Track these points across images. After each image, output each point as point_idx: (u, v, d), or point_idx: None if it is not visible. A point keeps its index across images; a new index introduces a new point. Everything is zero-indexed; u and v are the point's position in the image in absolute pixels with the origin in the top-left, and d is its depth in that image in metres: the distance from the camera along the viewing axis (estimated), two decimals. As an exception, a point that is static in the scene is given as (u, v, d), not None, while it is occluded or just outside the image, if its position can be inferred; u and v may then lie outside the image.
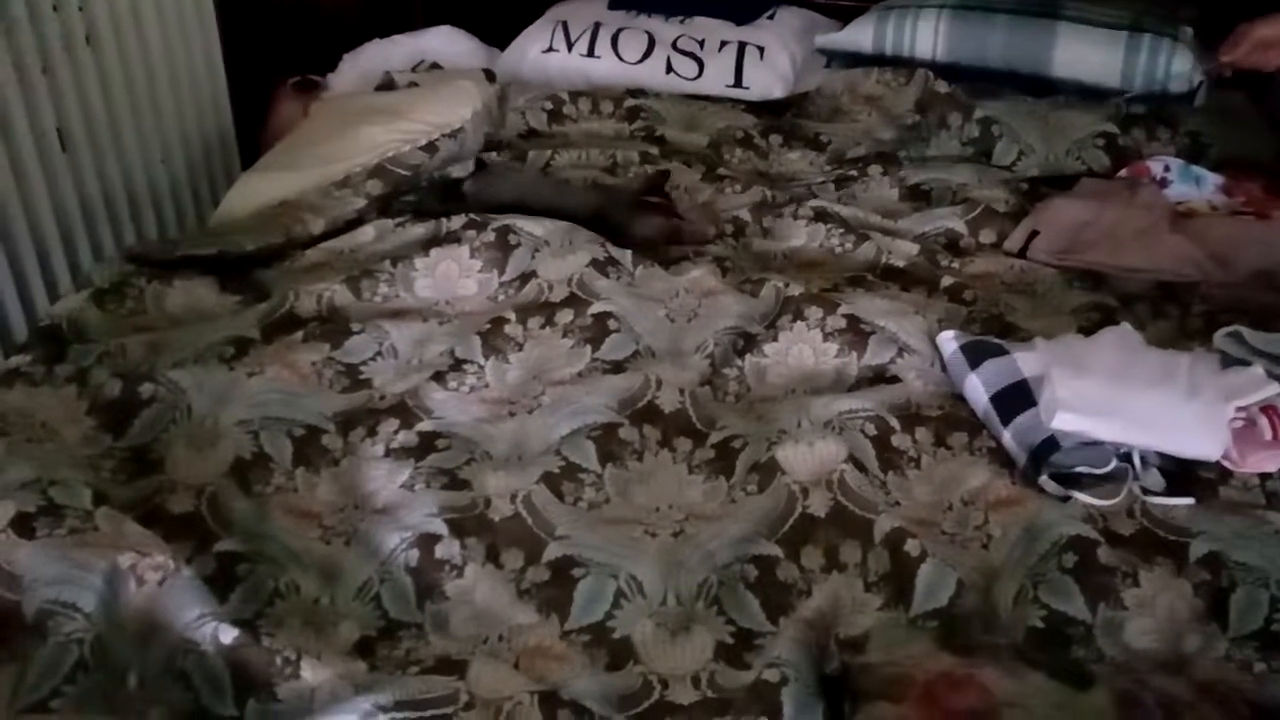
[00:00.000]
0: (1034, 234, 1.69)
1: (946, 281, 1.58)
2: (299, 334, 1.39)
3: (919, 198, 1.86)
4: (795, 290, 1.49)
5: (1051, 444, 1.19)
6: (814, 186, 1.89)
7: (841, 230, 1.71)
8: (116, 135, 1.98)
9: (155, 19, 2.04)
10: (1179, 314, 1.52)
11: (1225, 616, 1.05)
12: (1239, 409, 1.22)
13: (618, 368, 1.39)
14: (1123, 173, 1.89)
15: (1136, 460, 1.20)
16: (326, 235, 1.66)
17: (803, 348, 1.41)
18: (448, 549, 1.10)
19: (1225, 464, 1.22)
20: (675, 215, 1.72)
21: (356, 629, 1.05)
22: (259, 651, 0.94)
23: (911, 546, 1.10)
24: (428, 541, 1.11)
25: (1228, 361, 1.30)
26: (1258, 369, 1.26)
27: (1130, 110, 2.01)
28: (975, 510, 1.17)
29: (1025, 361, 1.28)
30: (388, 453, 1.24)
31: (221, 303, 1.50)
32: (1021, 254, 1.68)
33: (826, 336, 1.42)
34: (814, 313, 1.45)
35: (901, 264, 1.64)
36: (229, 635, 0.94)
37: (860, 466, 1.21)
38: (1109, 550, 1.10)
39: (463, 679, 0.94)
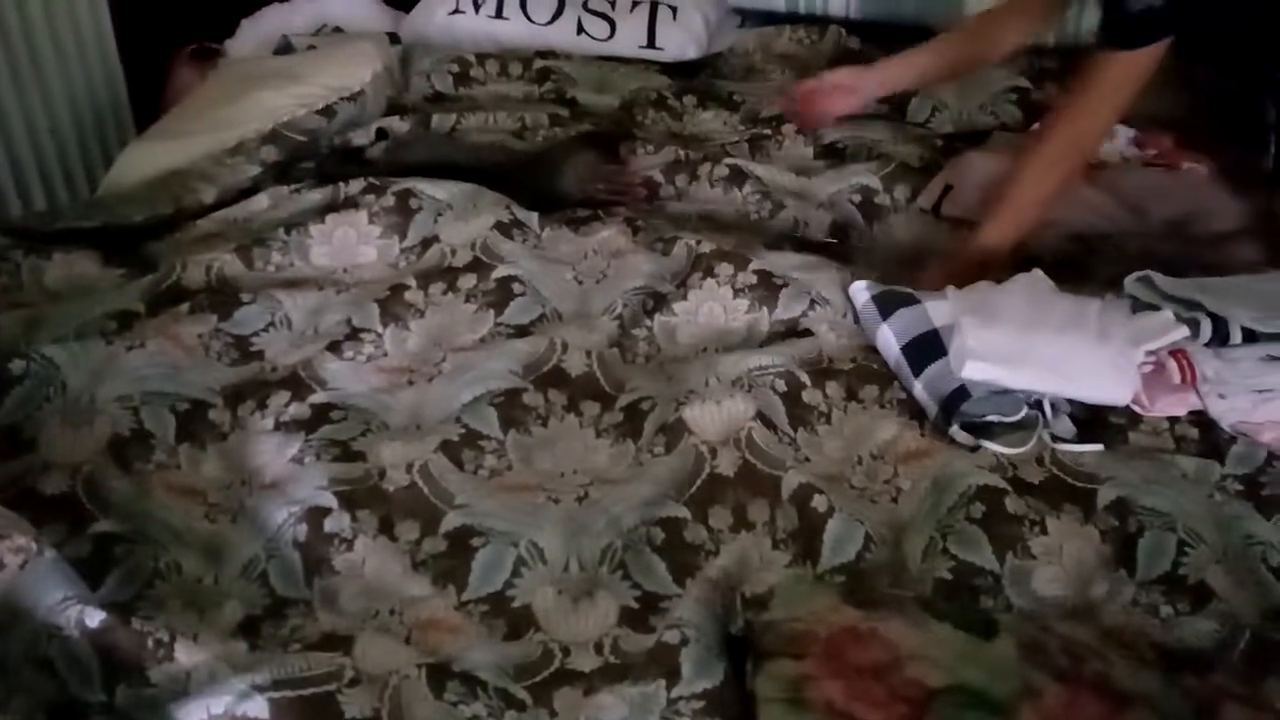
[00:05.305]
0: (948, 189, 1.68)
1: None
2: (185, 306, 1.33)
3: (834, 155, 1.83)
4: (707, 247, 1.45)
5: (962, 393, 1.17)
6: (728, 146, 1.85)
7: (758, 195, 1.68)
8: (-3, 104, 1.89)
9: (35, -18, 1.94)
10: (1091, 265, 1.51)
11: (1133, 562, 1.04)
12: (1149, 353, 1.21)
13: (522, 332, 1.35)
14: (1036, 127, 1.88)
15: (1047, 407, 1.19)
16: (219, 204, 1.59)
17: (713, 305, 1.38)
18: (337, 522, 1.05)
19: (1135, 408, 1.21)
20: (617, 161, 1.69)
21: (241, 609, 0.99)
22: (128, 634, 0.88)
23: (819, 502, 1.08)
24: (316, 515, 1.05)
25: (1138, 306, 1.30)
26: (1167, 313, 1.25)
27: (1043, 64, 2.00)
28: (884, 464, 1.15)
29: (937, 311, 1.26)
30: (278, 426, 1.18)
31: (104, 276, 1.43)
32: (936, 210, 1.66)
33: (737, 293, 1.39)
34: (725, 269, 1.41)
35: (819, 238, 1.61)
36: (95, 618, 0.88)
37: (769, 424, 1.18)
38: (1016, 499, 1.08)
39: (348, 655, 0.89)
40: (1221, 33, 1.49)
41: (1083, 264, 1.51)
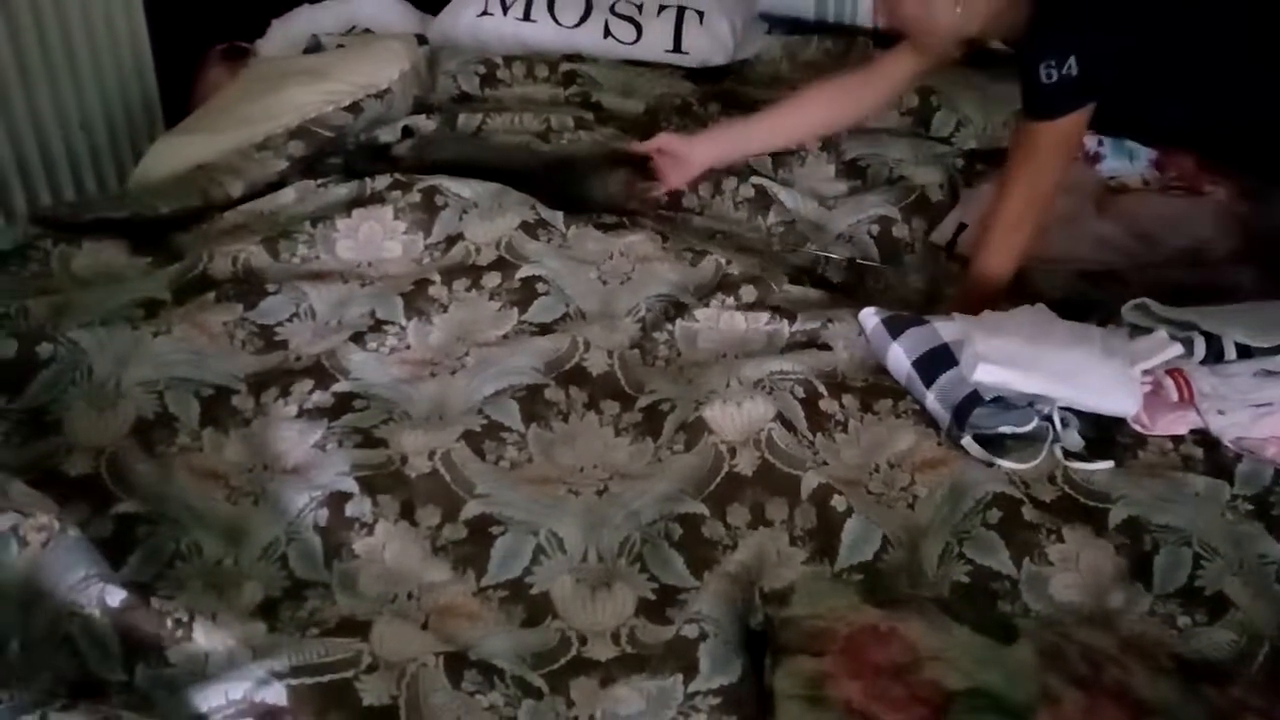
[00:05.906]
0: (962, 226, 1.66)
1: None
2: (211, 295, 1.34)
3: (856, 175, 1.82)
4: (736, 269, 1.45)
5: (974, 399, 1.17)
6: (752, 161, 1.84)
7: (783, 228, 1.67)
8: (30, 98, 1.91)
9: (70, -21, 1.97)
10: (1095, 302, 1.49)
11: (1149, 576, 1.04)
12: (1145, 372, 1.21)
13: (545, 330, 1.35)
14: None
15: (1056, 420, 1.18)
16: (246, 198, 1.60)
17: (734, 314, 1.38)
18: (358, 507, 1.06)
19: (1137, 428, 1.21)
20: (652, 177, 1.67)
21: (261, 590, 1.00)
22: (148, 614, 0.88)
23: (838, 502, 1.08)
24: (338, 500, 1.06)
25: (1136, 333, 1.29)
26: (1161, 332, 1.24)
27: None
28: (902, 472, 1.15)
29: (945, 329, 1.26)
30: (301, 413, 1.19)
31: (132, 265, 1.44)
32: (950, 248, 1.65)
33: (758, 307, 1.39)
34: (749, 292, 1.41)
35: (836, 279, 1.60)
36: (116, 597, 0.89)
37: (789, 425, 1.18)
38: (1032, 509, 1.08)
39: (366, 640, 0.90)
40: (1139, 102, 1.48)
41: (1086, 301, 1.49)
